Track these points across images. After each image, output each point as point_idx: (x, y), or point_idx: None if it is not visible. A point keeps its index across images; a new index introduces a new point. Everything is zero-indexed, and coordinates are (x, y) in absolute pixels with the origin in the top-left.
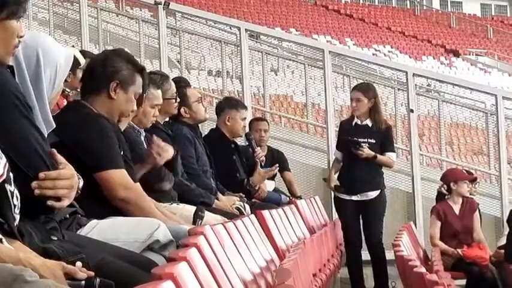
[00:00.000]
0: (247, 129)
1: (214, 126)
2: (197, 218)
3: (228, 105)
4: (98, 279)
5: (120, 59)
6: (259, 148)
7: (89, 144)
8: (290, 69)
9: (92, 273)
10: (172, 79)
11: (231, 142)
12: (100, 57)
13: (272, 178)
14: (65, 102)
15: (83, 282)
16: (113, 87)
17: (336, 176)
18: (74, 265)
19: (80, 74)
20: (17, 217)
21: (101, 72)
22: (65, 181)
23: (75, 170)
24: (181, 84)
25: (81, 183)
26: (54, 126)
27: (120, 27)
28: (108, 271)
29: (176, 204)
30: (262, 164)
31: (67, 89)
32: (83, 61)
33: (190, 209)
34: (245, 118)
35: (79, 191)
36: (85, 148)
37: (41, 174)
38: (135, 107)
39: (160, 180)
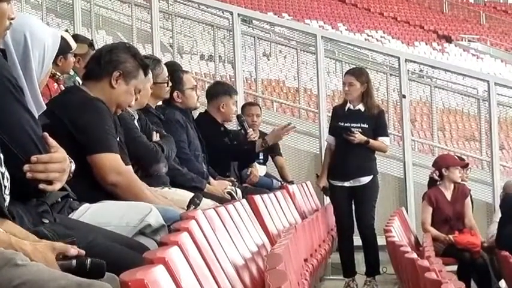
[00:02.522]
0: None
1: (203, 110)
2: (192, 204)
3: (221, 91)
4: (89, 259)
5: (127, 52)
6: (251, 129)
7: (85, 126)
8: (282, 54)
9: (83, 252)
10: (169, 63)
11: (221, 125)
12: (109, 46)
13: (264, 163)
14: (55, 86)
15: (74, 262)
16: (116, 76)
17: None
18: None
19: (71, 58)
20: (7, 198)
21: (106, 60)
22: (56, 164)
23: (68, 152)
24: (178, 68)
25: (73, 166)
26: (45, 108)
27: (113, 11)
28: (99, 252)
29: (168, 189)
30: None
31: (58, 73)
32: (74, 45)
33: (182, 194)
34: (236, 102)
35: (71, 175)
36: (81, 129)
37: (33, 158)
38: (133, 102)
39: (157, 162)
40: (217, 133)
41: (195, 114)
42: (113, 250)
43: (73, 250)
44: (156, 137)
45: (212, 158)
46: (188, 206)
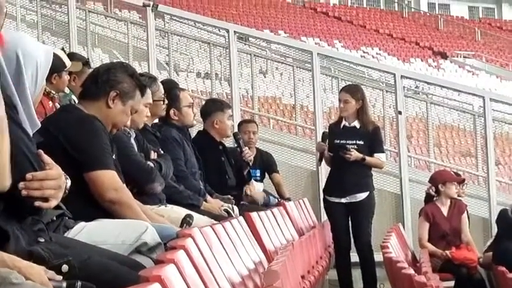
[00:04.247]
0: (235, 128)
1: (201, 128)
2: (184, 223)
3: (213, 108)
4: (79, 282)
5: (125, 72)
6: (246, 148)
7: (82, 144)
8: (279, 71)
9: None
10: (166, 80)
11: (219, 144)
12: (106, 65)
13: (261, 180)
14: (50, 104)
15: (65, 284)
16: (112, 96)
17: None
18: (60, 267)
19: (65, 76)
20: None
21: (103, 79)
22: (52, 181)
23: (63, 170)
24: (175, 86)
25: (69, 183)
26: (40, 126)
27: (109, 29)
28: (95, 271)
29: (164, 206)
30: (250, 164)
31: (52, 91)
32: (68, 63)
33: (179, 211)
34: (231, 116)
35: (66, 191)
36: (78, 147)
37: (28, 175)
38: (128, 122)
39: (152, 181)
40: (215, 152)
41: (194, 132)
42: (109, 268)
43: (59, 277)
44: (154, 155)
45: (209, 176)
46: (181, 226)
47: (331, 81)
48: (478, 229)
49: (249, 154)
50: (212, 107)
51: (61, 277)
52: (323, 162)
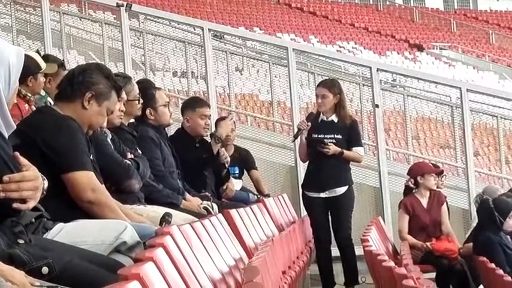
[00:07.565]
0: (213, 128)
1: (177, 126)
2: (163, 221)
3: (186, 106)
4: (59, 287)
5: (100, 73)
6: (223, 149)
7: (58, 145)
8: (255, 68)
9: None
10: (142, 80)
11: (195, 141)
12: (82, 67)
13: (239, 177)
14: (26, 107)
15: None
16: (88, 97)
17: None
18: (41, 269)
19: (41, 78)
20: None
21: (79, 80)
22: (29, 183)
23: (40, 172)
24: (151, 85)
25: (46, 184)
26: (15, 127)
27: (84, 30)
28: (75, 273)
29: (143, 206)
30: (227, 166)
31: (28, 94)
32: (43, 65)
33: (158, 210)
34: (206, 115)
35: (44, 192)
36: (55, 148)
37: (5, 178)
38: (105, 123)
39: (129, 178)
40: (192, 149)
41: (173, 130)
42: (90, 271)
43: (38, 283)
44: (130, 155)
45: (187, 174)
46: (160, 225)
47: (308, 77)
48: (458, 220)
49: (225, 156)
50: (184, 105)
51: (39, 283)
52: (299, 155)
